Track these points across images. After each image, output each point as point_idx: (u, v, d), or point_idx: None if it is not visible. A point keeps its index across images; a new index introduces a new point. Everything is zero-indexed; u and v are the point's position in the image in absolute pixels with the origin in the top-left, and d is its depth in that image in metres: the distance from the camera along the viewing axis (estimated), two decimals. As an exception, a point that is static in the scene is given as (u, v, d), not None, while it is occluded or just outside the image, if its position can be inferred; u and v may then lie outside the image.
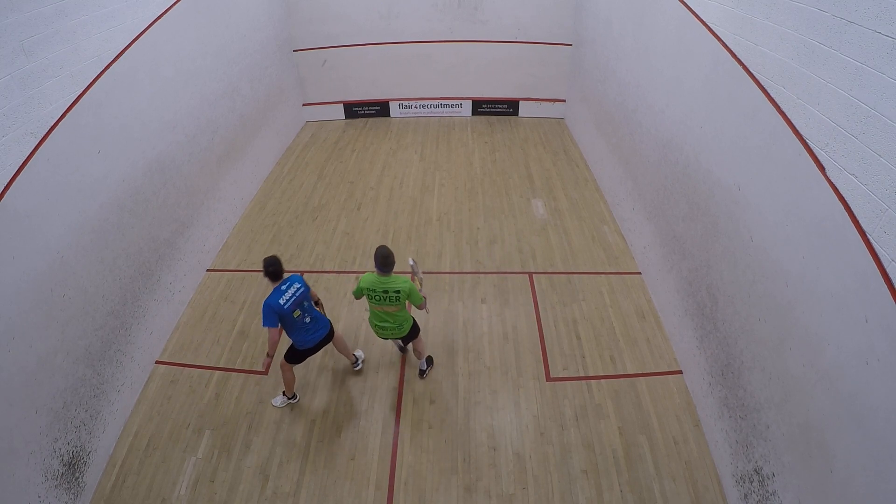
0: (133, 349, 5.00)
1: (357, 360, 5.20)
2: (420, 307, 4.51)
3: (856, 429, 2.75)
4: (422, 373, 5.11)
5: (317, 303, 4.72)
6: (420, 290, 4.52)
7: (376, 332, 4.67)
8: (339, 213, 7.77)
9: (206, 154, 6.64)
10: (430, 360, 5.22)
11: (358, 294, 4.42)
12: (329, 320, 4.73)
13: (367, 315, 5.76)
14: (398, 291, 4.25)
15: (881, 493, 2.57)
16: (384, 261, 4.16)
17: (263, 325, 4.16)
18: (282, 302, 4.17)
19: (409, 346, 5.16)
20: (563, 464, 4.35)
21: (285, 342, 4.63)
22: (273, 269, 4.21)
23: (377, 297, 4.32)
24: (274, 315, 4.14)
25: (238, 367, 5.30)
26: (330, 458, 4.45)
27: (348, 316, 5.87)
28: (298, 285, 4.31)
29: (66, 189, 4.16)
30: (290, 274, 4.42)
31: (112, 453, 4.55)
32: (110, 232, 4.72)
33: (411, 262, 4.79)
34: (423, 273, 4.97)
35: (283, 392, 4.88)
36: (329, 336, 4.66)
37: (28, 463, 3.65)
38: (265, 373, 5.22)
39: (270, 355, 4.34)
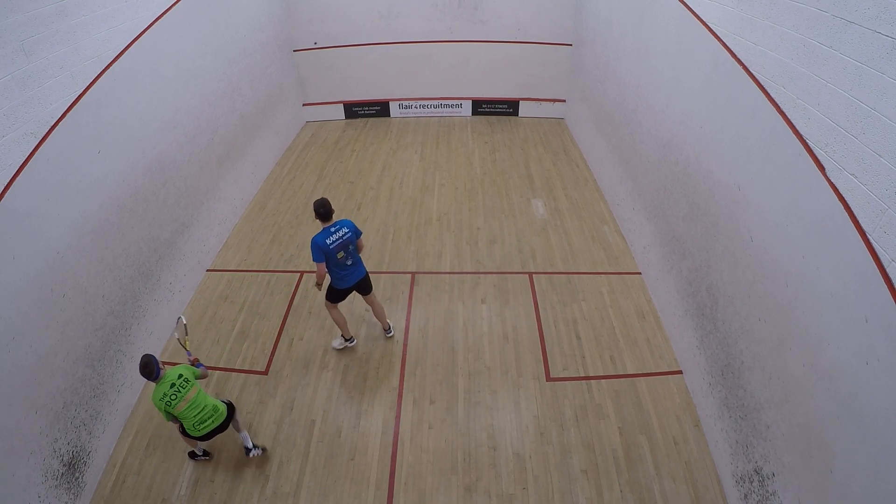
0: (133, 349, 4.99)
1: (391, 328, 5.56)
2: (202, 374, 4.12)
3: (856, 429, 2.75)
4: (248, 451, 4.38)
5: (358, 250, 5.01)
6: (187, 354, 4.26)
7: (200, 434, 4.02)
8: (339, 213, 7.74)
9: (206, 154, 6.64)
10: (262, 448, 4.44)
11: (167, 417, 3.92)
12: (366, 269, 5.07)
13: (366, 314, 5.79)
14: (180, 375, 3.89)
15: (881, 493, 2.57)
16: (144, 369, 3.77)
17: (313, 261, 4.65)
18: (328, 242, 4.61)
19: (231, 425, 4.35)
20: (563, 464, 4.35)
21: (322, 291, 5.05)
22: (324, 210, 4.62)
23: (174, 399, 3.83)
24: (320, 252, 4.60)
25: (238, 367, 5.30)
26: (330, 458, 4.45)
27: (348, 316, 5.87)
28: (347, 230, 4.71)
29: (66, 189, 4.16)
30: (343, 218, 4.84)
31: (112, 453, 4.55)
32: (110, 232, 4.72)
33: (182, 320, 4.63)
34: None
35: (341, 335, 5.35)
36: (365, 281, 5.06)
37: (28, 463, 3.65)
38: (264, 372, 5.23)
39: (319, 285, 4.86)
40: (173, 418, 3.93)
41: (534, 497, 4.13)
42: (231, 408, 4.24)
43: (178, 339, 4.53)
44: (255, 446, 4.40)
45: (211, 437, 4.14)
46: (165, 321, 5.64)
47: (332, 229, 4.66)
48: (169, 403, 3.84)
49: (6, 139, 3.57)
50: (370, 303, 5.35)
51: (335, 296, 5.05)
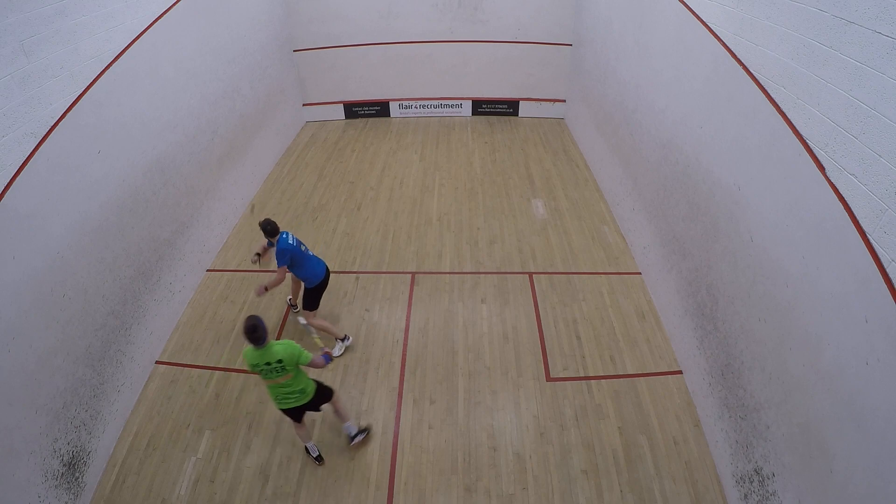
0: (133, 349, 5.00)
1: (347, 338, 5.49)
2: (314, 364, 3.88)
3: (856, 429, 2.75)
4: (350, 438, 4.47)
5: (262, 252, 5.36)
6: (320, 347, 4.13)
7: (281, 406, 4.03)
8: (339, 213, 7.77)
9: (206, 154, 6.64)
10: (365, 430, 4.53)
11: (285, 257, 4.63)
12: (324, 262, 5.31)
13: (366, 315, 5.78)
14: (280, 361, 3.74)
15: (881, 493, 2.57)
16: (252, 335, 3.65)
17: (278, 266, 4.90)
18: (290, 241, 4.94)
19: (328, 408, 4.43)
20: (563, 464, 4.35)
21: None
22: (271, 227, 4.95)
23: (263, 372, 3.80)
24: (287, 256, 4.88)
25: (238, 367, 5.30)
26: (330, 459, 4.45)
27: (348, 316, 5.87)
28: (290, 232, 5.10)
29: (66, 189, 4.16)
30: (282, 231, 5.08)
31: (112, 453, 4.54)
32: (110, 232, 4.72)
33: (303, 322, 4.70)
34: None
35: (336, 338, 5.38)
36: (327, 274, 5.28)
37: (28, 463, 3.65)
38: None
39: (268, 289, 5.04)
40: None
41: (534, 497, 4.13)
42: (327, 392, 4.21)
43: (315, 337, 4.47)
44: (360, 431, 4.51)
45: (293, 414, 4.13)
46: (165, 321, 5.64)
47: (284, 235, 5.00)
48: (258, 373, 3.85)
49: (6, 139, 3.57)
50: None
51: (314, 300, 5.25)
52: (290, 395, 3.96)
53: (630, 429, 4.60)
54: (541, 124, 10.58)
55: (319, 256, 5.36)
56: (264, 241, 5.22)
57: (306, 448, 4.43)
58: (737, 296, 4.09)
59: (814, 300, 3.14)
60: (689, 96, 4.97)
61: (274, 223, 5.01)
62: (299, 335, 5.53)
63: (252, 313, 5.85)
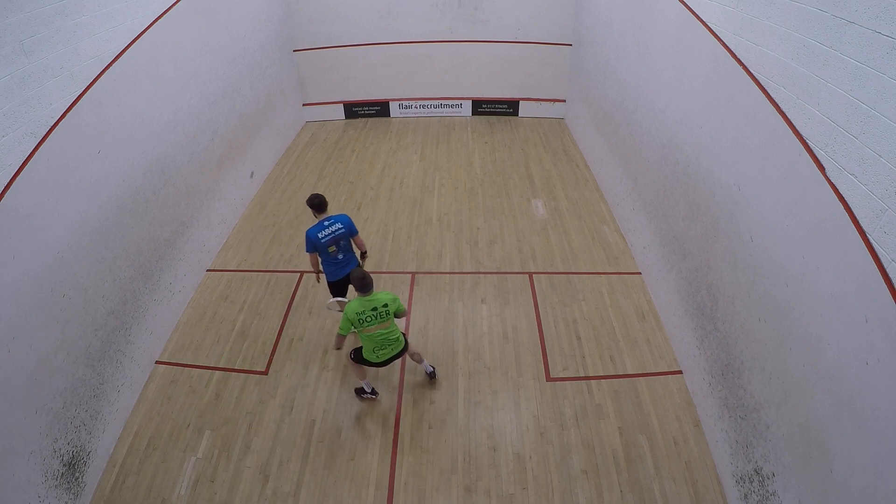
0: (133, 349, 5.00)
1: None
2: (404, 314, 4.43)
3: (856, 429, 2.75)
4: (430, 376, 5.02)
5: (363, 254, 5.20)
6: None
7: (378, 360, 4.45)
8: (340, 212, 7.75)
9: (206, 154, 6.64)
10: (433, 371, 5.05)
11: (346, 328, 4.28)
12: (357, 262, 5.18)
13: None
14: (385, 305, 4.22)
15: (881, 493, 2.57)
16: (362, 281, 4.12)
17: (306, 251, 4.88)
18: (320, 236, 4.76)
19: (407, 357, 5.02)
20: (563, 464, 4.35)
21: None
22: (317, 201, 4.81)
23: (368, 319, 4.20)
24: (311, 244, 4.79)
25: (238, 367, 5.30)
26: (330, 458, 4.45)
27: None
28: (340, 226, 4.84)
29: (66, 189, 4.16)
30: (340, 213, 4.99)
31: (112, 453, 4.55)
32: (110, 232, 4.72)
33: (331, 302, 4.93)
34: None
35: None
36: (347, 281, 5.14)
37: (28, 463, 3.65)
38: (265, 372, 5.23)
39: (317, 276, 5.13)
40: (349, 333, 4.33)
41: (534, 497, 4.13)
42: (406, 341, 4.58)
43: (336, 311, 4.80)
44: (433, 368, 4.99)
45: (386, 364, 4.53)
46: (165, 321, 5.64)
47: (326, 223, 4.80)
48: (362, 322, 4.17)
49: (6, 139, 3.57)
50: None
51: (334, 290, 5.16)
52: (390, 342, 4.38)
53: (630, 429, 4.60)
54: (541, 124, 10.58)
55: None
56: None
57: (362, 387, 4.77)
58: (737, 296, 4.10)
59: (814, 300, 3.14)
60: (689, 96, 4.97)
61: (318, 200, 4.80)
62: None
63: (249, 315, 5.85)
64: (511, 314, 5.86)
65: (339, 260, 4.97)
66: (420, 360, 4.97)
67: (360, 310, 4.17)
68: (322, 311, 5.93)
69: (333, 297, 5.17)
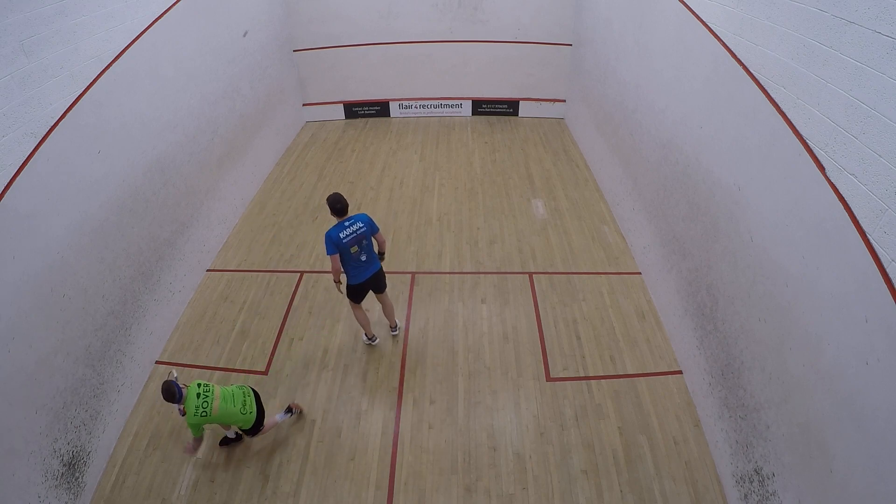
0: (133, 349, 5.00)
1: (397, 326, 5.61)
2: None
3: (856, 429, 2.75)
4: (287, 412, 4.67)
5: (381, 254, 5.07)
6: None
7: (252, 417, 4.22)
8: (357, 212, 7.75)
9: (206, 154, 6.64)
10: (289, 410, 4.67)
11: (201, 428, 4.01)
12: (380, 263, 5.04)
13: (367, 314, 5.78)
14: (199, 384, 4.02)
15: (881, 493, 2.57)
16: (167, 393, 3.82)
17: (327, 254, 4.60)
18: (342, 236, 4.57)
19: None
20: (563, 464, 4.35)
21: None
22: (339, 205, 4.61)
23: (204, 403, 3.94)
24: (333, 245, 4.57)
25: (238, 367, 5.30)
26: (330, 458, 4.45)
27: (348, 316, 5.87)
28: (361, 224, 4.68)
29: (66, 189, 4.16)
30: (360, 213, 4.83)
31: (112, 453, 4.55)
32: (110, 232, 4.72)
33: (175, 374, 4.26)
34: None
35: (365, 335, 5.41)
36: (378, 276, 5.01)
37: (28, 463, 3.65)
38: (264, 372, 5.23)
39: (337, 280, 4.75)
40: (218, 426, 3.98)
41: (534, 497, 4.13)
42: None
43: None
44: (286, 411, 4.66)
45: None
46: (165, 321, 5.64)
47: (347, 223, 4.63)
48: (205, 413, 3.92)
49: (6, 139, 3.57)
50: (382, 301, 5.33)
51: (353, 294, 5.02)
52: (241, 398, 4.18)
53: (630, 429, 4.60)
54: (541, 124, 10.58)
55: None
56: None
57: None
58: (737, 296, 4.09)
59: (814, 300, 3.14)
60: (689, 96, 4.97)
61: (340, 203, 4.58)
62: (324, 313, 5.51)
63: (249, 315, 5.85)
64: (511, 314, 5.86)
65: (363, 261, 4.79)
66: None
67: (193, 410, 3.88)
68: (321, 312, 5.93)
69: (351, 300, 5.03)
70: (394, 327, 5.56)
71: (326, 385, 5.10)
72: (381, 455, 4.47)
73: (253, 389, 4.39)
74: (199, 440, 4.09)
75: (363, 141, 10.05)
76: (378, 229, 4.88)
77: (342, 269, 4.71)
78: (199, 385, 4.04)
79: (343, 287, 4.93)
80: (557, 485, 4.20)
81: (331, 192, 8.18)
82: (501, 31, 9.95)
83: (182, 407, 3.93)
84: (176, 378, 4.00)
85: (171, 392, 3.83)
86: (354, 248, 4.68)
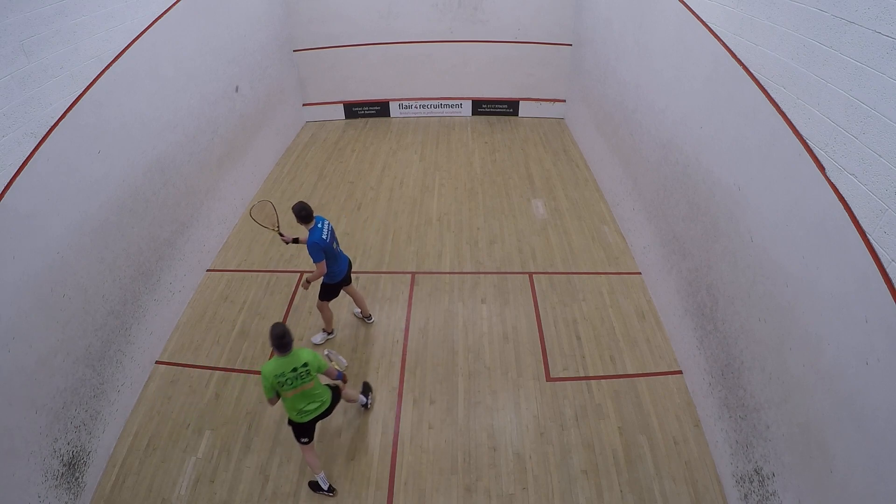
0: (133, 349, 5.00)
1: (371, 317, 5.71)
2: (328, 373, 3.96)
3: (856, 429, 2.75)
4: (365, 406, 4.78)
5: (296, 240, 5.12)
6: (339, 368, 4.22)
7: (301, 420, 3.94)
8: (339, 213, 7.77)
9: (206, 154, 6.64)
10: (366, 386, 4.85)
11: (270, 392, 3.73)
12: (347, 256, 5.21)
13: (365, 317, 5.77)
14: (306, 365, 3.72)
15: (881, 493, 2.57)
16: (280, 341, 3.60)
17: (315, 262, 4.65)
18: (325, 237, 4.68)
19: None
20: (563, 464, 4.35)
21: (315, 287, 5.20)
22: (305, 212, 4.64)
23: (289, 382, 3.71)
24: (321, 251, 4.63)
25: (238, 367, 5.30)
26: (330, 458, 4.45)
27: (348, 315, 5.87)
28: (327, 221, 4.83)
29: (66, 189, 4.16)
30: (317, 215, 4.83)
31: (112, 453, 4.54)
32: (110, 232, 4.72)
33: (326, 353, 4.44)
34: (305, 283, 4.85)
35: (324, 329, 5.52)
36: (350, 267, 5.19)
37: (28, 463, 3.65)
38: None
39: (310, 282, 4.80)
40: (275, 396, 3.76)
41: (534, 497, 4.13)
42: (336, 392, 4.15)
43: (333, 364, 4.24)
44: (363, 392, 4.80)
45: (310, 429, 4.01)
46: (165, 321, 5.64)
47: (319, 226, 4.74)
48: (281, 385, 3.69)
49: (6, 139, 3.57)
50: (351, 293, 5.50)
51: (330, 293, 5.16)
52: (314, 403, 3.90)
53: (630, 429, 4.60)
54: (541, 124, 10.58)
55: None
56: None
57: (317, 482, 4.14)
58: (737, 296, 4.10)
59: (814, 300, 3.14)
60: (689, 96, 4.97)
61: (308, 208, 4.64)
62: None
63: (249, 315, 5.84)
64: (511, 314, 5.86)
65: (341, 253, 5.02)
66: (354, 400, 4.63)
67: (278, 371, 3.66)
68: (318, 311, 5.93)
69: (322, 298, 5.17)
70: (369, 317, 5.70)
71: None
72: (381, 455, 4.47)
73: (334, 395, 4.12)
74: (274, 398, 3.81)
75: (363, 141, 10.05)
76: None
77: (325, 272, 4.81)
78: (305, 364, 3.70)
79: (315, 288, 5.06)
80: (557, 485, 4.20)
81: (331, 191, 8.30)
82: (501, 31, 9.95)
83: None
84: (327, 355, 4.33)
85: (285, 342, 3.58)
86: (335, 244, 4.89)
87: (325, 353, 4.45)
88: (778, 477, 3.47)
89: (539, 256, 6.75)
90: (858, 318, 2.75)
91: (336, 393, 4.17)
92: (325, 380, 4.46)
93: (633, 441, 4.50)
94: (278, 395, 3.78)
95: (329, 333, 5.57)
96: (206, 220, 6.62)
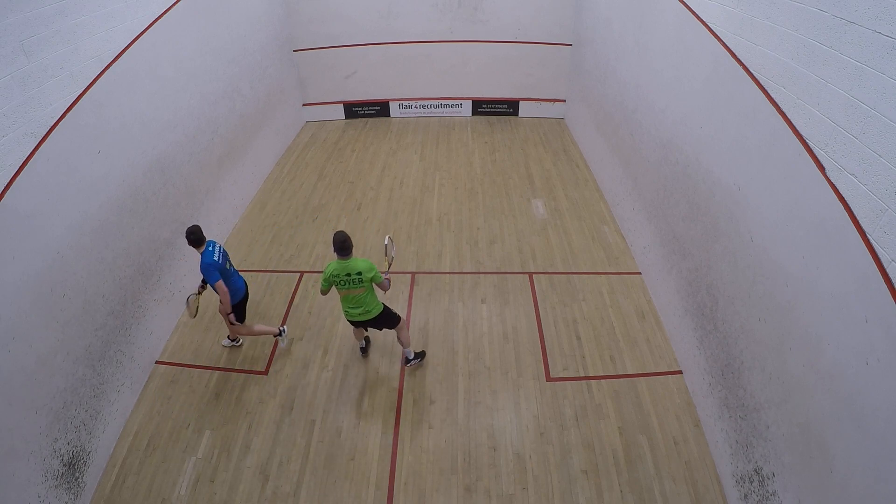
0: (133, 349, 5.00)
1: (283, 330, 5.50)
2: (382, 286, 4.54)
3: (856, 429, 2.75)
4: (407, 361, 5.17)
5: None
6: (386, 272, 4.74)
7: (347, 316, 4.75)
8: (339, 213, 7.77)
9: (206, 154, 6.64)
10: (420, 354, 5.25)
11: (326, 286, 4.45)
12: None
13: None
14: (359, 273, 4.34)
15: (881, 493, 2.57)
16: (342, 245, 4.27)
17: (212, 283, 4.65)
18: (216, 258, 4.71)
19: (394, 334, 5.23)
20: (563, 464, 4.35)
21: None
22: (195, 236, 4.67)
23: (342, 282, 4.39)
24: (216, 271, 4.65)
25: (238, 367, 5.30)
26: (330, 458, 4.45)
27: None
28: (217, 244, 4.87)
29: (66, 189, 4.16)
30: (209, 239, 4.87)
31: (112, 453, 4.55)
32: (110, 232, 4.72)
33: (386, 241, 4.97)
34: (423, 273, 5.02)
35: (274, 335, 5.39)
36: (246, 287, 5.20)
37: (28, 463, 3.65)
38: (264, 372, 5.23)
39: (228, 311, 4.87)
40: (327, 289, 4.48)
41: (534, 497, 4.13)
42: (393, 319, 4.80)
43: (387, 256, 4.90)
44: (416, 356, 5.18)
45: (358, 327, 4.89)
46: (165, 321, 5.64)
47: (210, 248, 4.74)
48: (336, 283, 4.40)
49: (6, 139, 3.57)
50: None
51: (242, 313, 5.10)
52: (358, 308, 4.58)
53: (630, 429, 4.60)
54: (541, 124, 10.58)
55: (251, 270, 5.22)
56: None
57: (361, 347, 5.27)
58: (737, 296, 4.09)
59: (814, 300, 3.14)
60: (689, 96, 4.97)
61: (197, 232, 4.66)
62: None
63: (249, 315, 5.84)
64: (511, 314, 5.86)
65: (235, 272, 5.02)
66: (403, 346, 5.08)
67: (336, 272, 4.34)
68: (321, 312, 5.94)
69: (236, 322, 5.03)
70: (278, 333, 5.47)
71: (326, 385, 5.10)
72: (381, 455, 4.47)
73: (389, 317, 4.78)
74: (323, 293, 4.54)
75: (363, 141, 10.05)
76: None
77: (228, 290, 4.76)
78: (359, 273, 4.32)
79: (233, 313, 4.95)
80: (557, 485, 4.20)
81: (331, 191, 8.31)
82: (501, 31, 9.95)
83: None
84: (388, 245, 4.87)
85: (346, 246, 4.28)
86: (229, 264, 4.92)
87: (386, 240, 4.96)
88: (778, 477, 3.47)
89: (539, 256, 6.75)
90: (858, 318, 2.75)
91: (388, 313, 4.77)
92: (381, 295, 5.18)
93: (633, 441, 4.50)
94: (327, 291, 4.51)
95: (280, 333, 5.36)
96: (206, 220, 6.60)
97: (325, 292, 4.53)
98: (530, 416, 4.74)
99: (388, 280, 4.62)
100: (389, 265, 4.86)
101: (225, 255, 4.89)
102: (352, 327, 5.51)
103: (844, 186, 2.90)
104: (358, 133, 10.39)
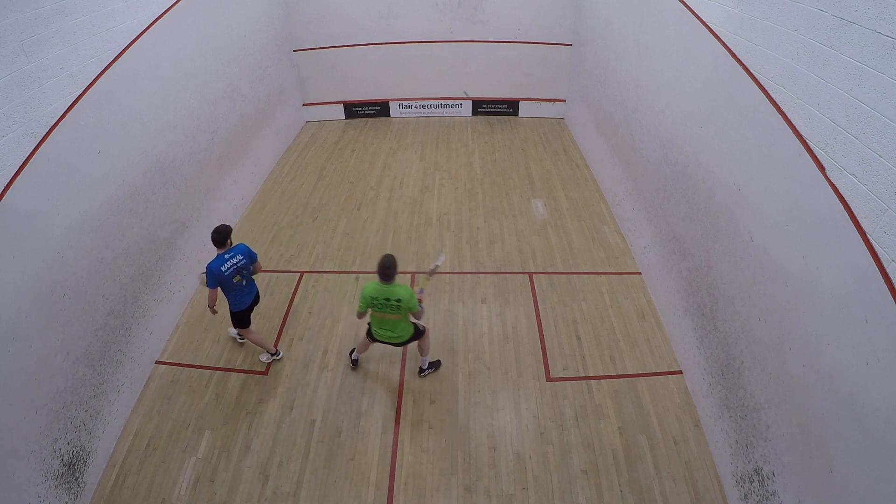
0: (133, 349, 5.00)
1: (278, 353, 5.42)
2: (417, 316, 4.53)
3: (856, 429, 2.75)
4: (421, 371, 5.11)
5: (253, 273, 5.09)
6: (422, 290, 4.71)
7: (375, 336, 4.70)
8: (339, 213, 7.77)
9: (206, 154, 6.64)
10: (436, 364, 5.19)
11: (364, 307, 4.42)
12: (256, 288, 5.18)
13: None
14: (399, 300, 4.29)
15: (881, 493, 2.57)
16: (385, 270, 4.21)
17: (207, 287, 4.67)
18: (223, 269, 4.67)
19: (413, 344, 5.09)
20: (563, 464, 4.35)
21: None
22: (218, 236, 4.67)
23: (379, 306, 4.37)
24: (214, 279, 4.64)
25: (238, 367, 5.30)
26: (330, 458, 4.45)
27: (348, 317, 5.87)
28: (241, 257, 4.80)
29: (66, 189, 4.15)
30: (239, 244, 4.87)
31: (112, 453, 4.54)
32: (110, 232, 4.72)
33: (440, 262, 5.04)
34: (435, 272, 5.04)
35: (268, 352, 5.34)
36: (257, 298, 5.18)
37: (28, 463, 3.65)
38: (264, 373, 5.23)
39: (212, 308, 4.80)
40: (365, 312, 4.47)
41: (534, 497, 4.13)
42: (419, 333, 4.77)
43: (430, 271, 4.94)
44: (430, 365, 5.13)
45: (251, 310, 5.00)
46: (165, 321, 5.64)
47: (227, 256, 4.69)
48: (373, 305, 4.38)
49: (6, 139, 3.57)
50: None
51: (242, 319, 5.05)
52: (392, 332, 4.57)
53: (630, 429, 4.60)
54: (541, 124, 10.58)
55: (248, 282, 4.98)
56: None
57: (351, 354, 5.20)
58: (737, 296, 4.10)
59: (814, 300, 3.14)
60: (689, 96, 4.97)
61: (223, 233, 4.65)
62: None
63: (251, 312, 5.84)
64: (511, 314, 5.86)
65: (244, 288, 4.92)
66: (422, 354, 5.04)
67: (374, 294, 4.32)
68: (321, 312, 5.94)
69: (235, 327, 5.12)
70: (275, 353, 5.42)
71: (326, 385, 5.10)
72: (381, 455, 4.47)
73: (417, 335, 4.74)
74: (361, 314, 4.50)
75: (363, 141, 10.05)
76: (256, 257, 4.98)
77: (216, 300, 4.76)
78: (398, 300, 4.28)
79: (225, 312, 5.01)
80: (557, 485, 4.20)
81: (331, 191, 8.30)
82: (501, 31, 9.95)
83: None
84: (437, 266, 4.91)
85: (390, 273, 4.21)
86: (237, 278, 4.80)
87: (437, 262, 4.99)
88: (778, 477, 3.47)
89: (539, 256, 6.75)
90: (858, 318, 2.76)
91: (418, 334, 4.75)
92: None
93: (633, 441, 4.50)
94: (366, 313, 4.49)
95: (274, 355, 5.33)
96: (206, 220, 6.61)
97: (361, 315, 4.48)
98: (530, 416, 4.75)
99: (423, 309, 4.55)
100: (428, 279, 4.91)
101: (238, 270, 4.75)
102: (357, 334, 5.55)
103: (844, 186, 2.90)
104: (358, 133, 10.39)
